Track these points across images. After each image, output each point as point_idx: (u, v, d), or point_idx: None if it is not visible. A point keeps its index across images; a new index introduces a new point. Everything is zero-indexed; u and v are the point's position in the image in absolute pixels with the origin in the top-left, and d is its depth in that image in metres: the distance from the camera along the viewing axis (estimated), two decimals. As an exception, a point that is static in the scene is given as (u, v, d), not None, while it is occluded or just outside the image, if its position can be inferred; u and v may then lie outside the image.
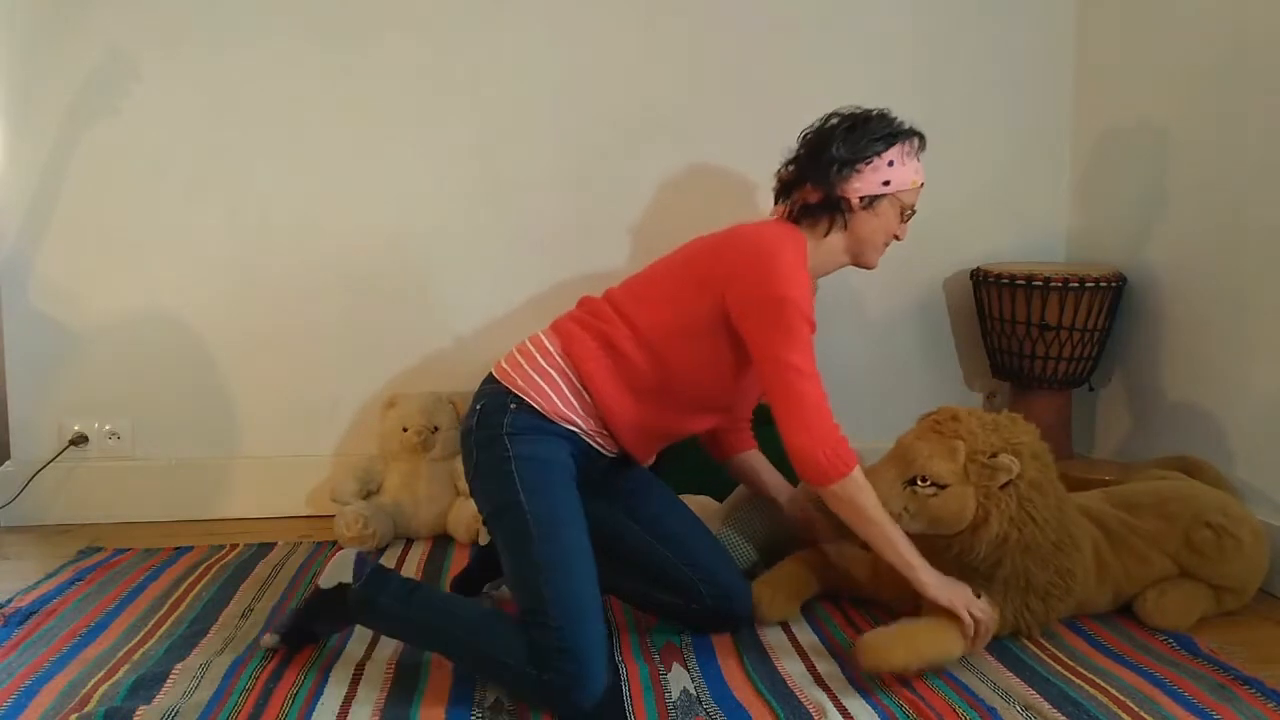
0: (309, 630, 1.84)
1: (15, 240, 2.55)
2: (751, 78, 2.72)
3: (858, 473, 1.76)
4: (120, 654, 1.86)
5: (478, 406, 1.85)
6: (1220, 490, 2.16)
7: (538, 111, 2.67)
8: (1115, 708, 1.67)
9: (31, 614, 2.03)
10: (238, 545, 2.43)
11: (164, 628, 1.98)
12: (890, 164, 1.89)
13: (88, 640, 1.91)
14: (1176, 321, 2.53)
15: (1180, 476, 2.21)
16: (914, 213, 1.97)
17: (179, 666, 1.79)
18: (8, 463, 2.64)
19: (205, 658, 1.83)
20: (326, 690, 1.72)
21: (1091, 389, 2.78)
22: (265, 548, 2.41)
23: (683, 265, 1.92)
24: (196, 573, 2.26)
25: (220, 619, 2.01)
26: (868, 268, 2.00)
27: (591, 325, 1.88)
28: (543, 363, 1.85)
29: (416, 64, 2.61)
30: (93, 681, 1.74)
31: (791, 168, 1.94)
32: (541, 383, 1.82)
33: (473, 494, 1.86)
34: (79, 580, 2.21)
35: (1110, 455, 2.78)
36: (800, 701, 1.69)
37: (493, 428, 1.79)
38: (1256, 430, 2.27)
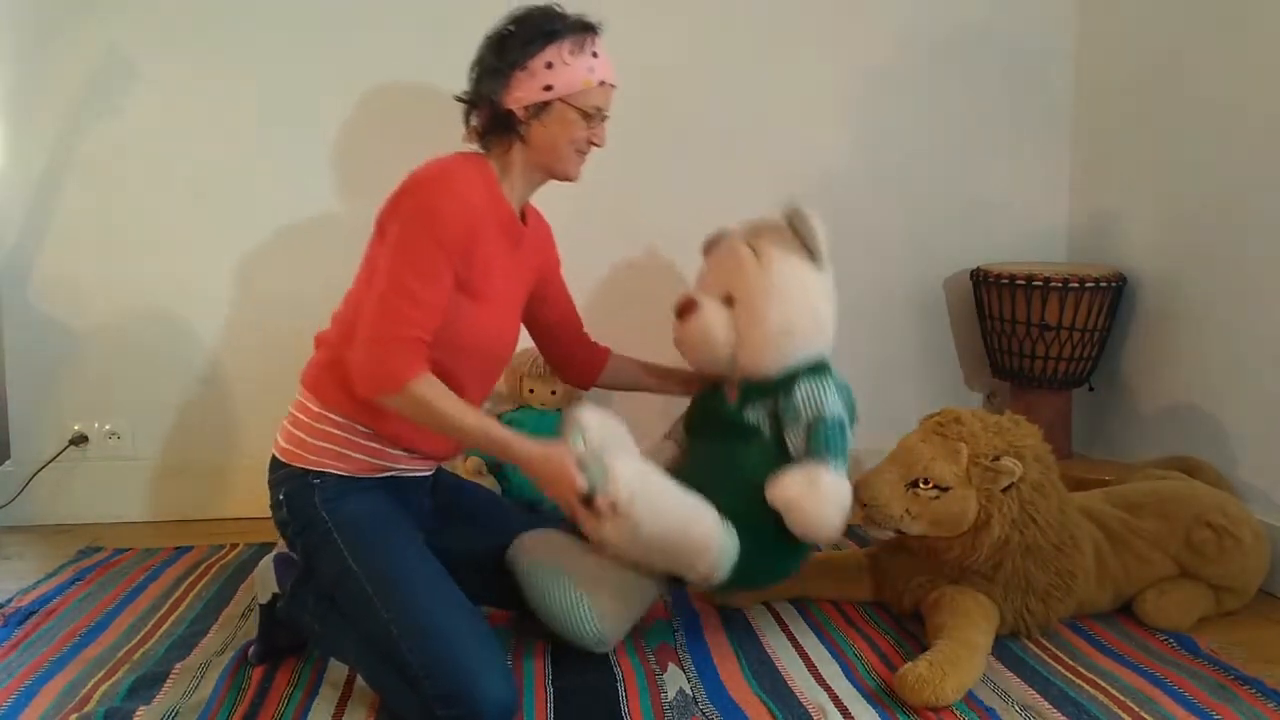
0: (277, 645, 1.81)
1: (15, 240, 2.55)
2: (749, 76, 2.72)
3: (417, 386, 1.62)
4: (120, 654, 1.86)
5: (281, 497, 1.75)
6: (1220, 490, 2.16)
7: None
8: (1115, 708, 1.67)
9: (31, 614, 2.03)
10: (238, 545, 2.43)
11: (164, 628, 1.98)
12: (549, 65, 1.73)
13: (88, 640, 1.91)
14: (1176, 321, 2.52)
15: (1180, 476, 2.21)
16: (605, 115, 1.82)
17: (179, 666, 1.79)
18: (8, 463, 2.64)
19: (205, 658, 1.83)
20: (321, 690, 1.72)
21: (1091, 389, 2.78)
22: (265, 548, 2.40)
23: (378, 239, 1.75)
24: (196, 573, 2.26)
25: (220, 619, 2.01)
26: (566, 179, 1.84)
27: (344, 360, 1.72)
28: (322, 428, 1.74)
29: (417, 63, 2.60)
30: (93, 681, 1.74)
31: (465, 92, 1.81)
32: (332, 447, 1.73)
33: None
34: (79, 580, 2.21)
35: (1110, 455, 2.78)
36: (800, 702, 1.68)
37: (307, 509, 1.72)
38: (1257, 430, 2.27)
